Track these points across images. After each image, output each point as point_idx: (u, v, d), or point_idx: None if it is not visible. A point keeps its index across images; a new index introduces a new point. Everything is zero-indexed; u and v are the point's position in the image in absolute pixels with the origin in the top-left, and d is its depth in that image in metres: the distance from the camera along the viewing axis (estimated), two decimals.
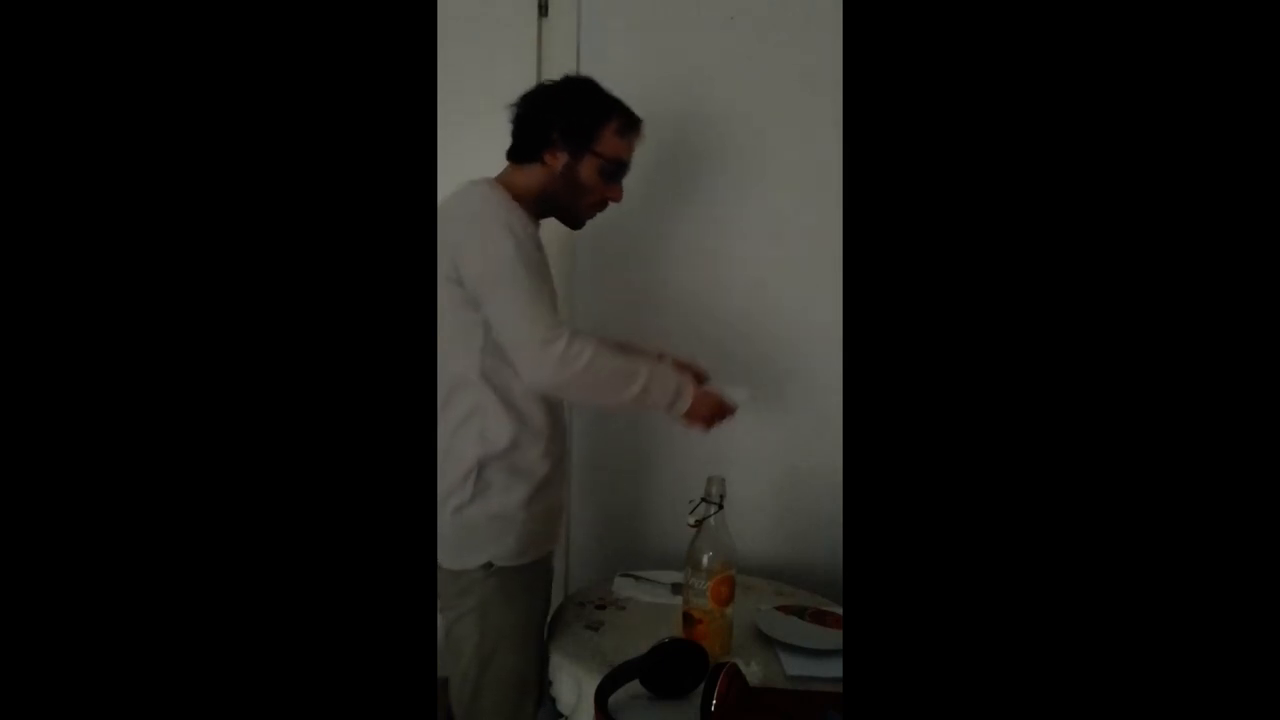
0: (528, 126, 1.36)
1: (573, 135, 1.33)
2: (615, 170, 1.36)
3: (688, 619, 1.31)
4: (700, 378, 1.50)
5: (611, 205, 1.41)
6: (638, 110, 1.74)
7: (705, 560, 1.29)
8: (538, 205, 1.36)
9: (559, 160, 1.34)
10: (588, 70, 1.77)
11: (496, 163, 1.83)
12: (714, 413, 1.37)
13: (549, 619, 1.48)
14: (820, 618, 1.44)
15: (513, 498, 1.30)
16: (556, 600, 1.63)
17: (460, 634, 1.31)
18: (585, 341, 1.23)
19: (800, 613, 1.46)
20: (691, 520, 1.32)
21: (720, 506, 1.30)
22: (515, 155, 1.38)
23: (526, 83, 1.78)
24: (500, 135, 1.82)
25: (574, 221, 1.42)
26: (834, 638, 1.35)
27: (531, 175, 1.35)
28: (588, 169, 1.34)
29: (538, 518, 1.32)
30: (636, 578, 1.59)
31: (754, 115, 1.76)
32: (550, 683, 1.35)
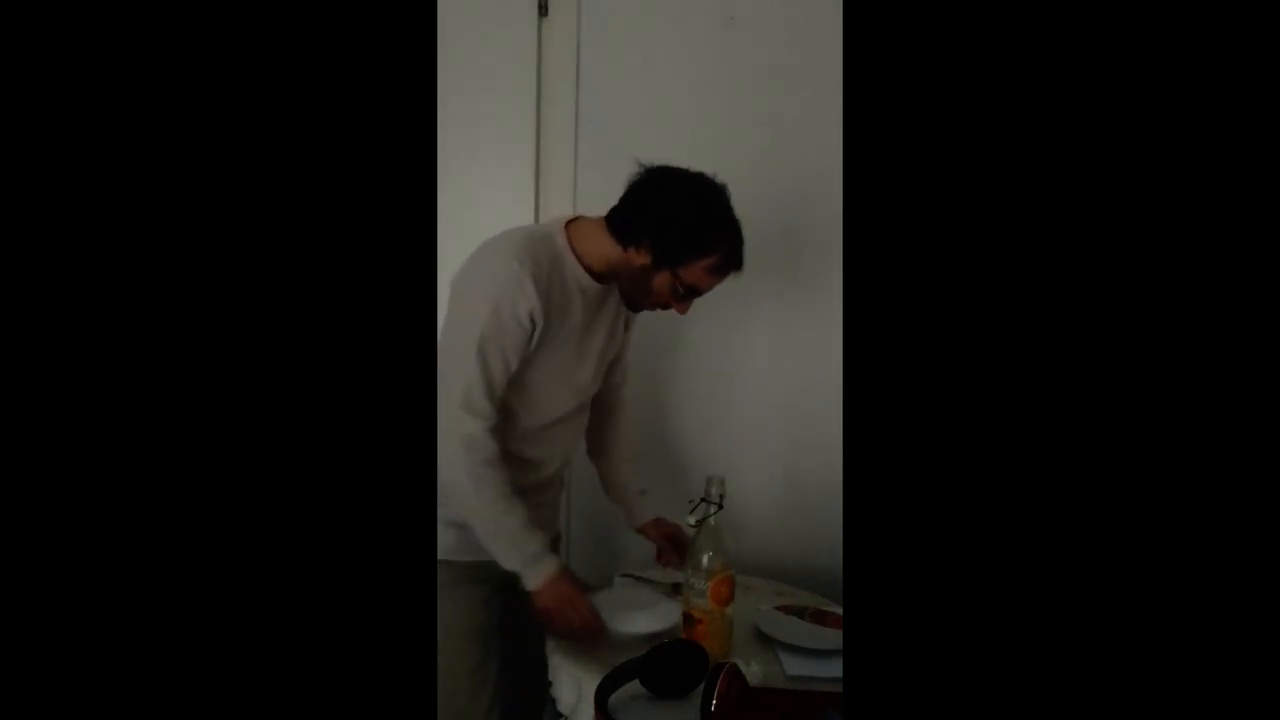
0: (630, 211, 1.29)
1: (662, 251, 1.27)
2: (689, 294, 1.31)
3: (688, 619, 1.31)
4: (678, 544, 1.50)
5: None
6: (638, 111, 1.76)
7: (705, 560, 1.29)
8: (604, 272, 1.33)
9: (638, 259, 1.28)
10: (587, 70, 1.77)
11: (495, 163, 1.85)
12: (562, 612, 1.29)
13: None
14: (820, 618, 1.44)
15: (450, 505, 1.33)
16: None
17: None
18: (491, 452, 1.25)
19: (800, 613, 1.46)
20: (691, 520, 1.32)
21: (720, 506, 1.30)
22: (609, 221, 1.31)
23: (527, 83, 1.80)
24: (498, 135, 1.83)
25: (631, 306, 1.39)
26: (834, 638, 1.35)
27: (610, 249, 1.30)
28: (662, 280, 1.29)
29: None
30: (637, 578, 1.59)
31: (754, 115, 1.76)
32: (550, 683, 1.35)
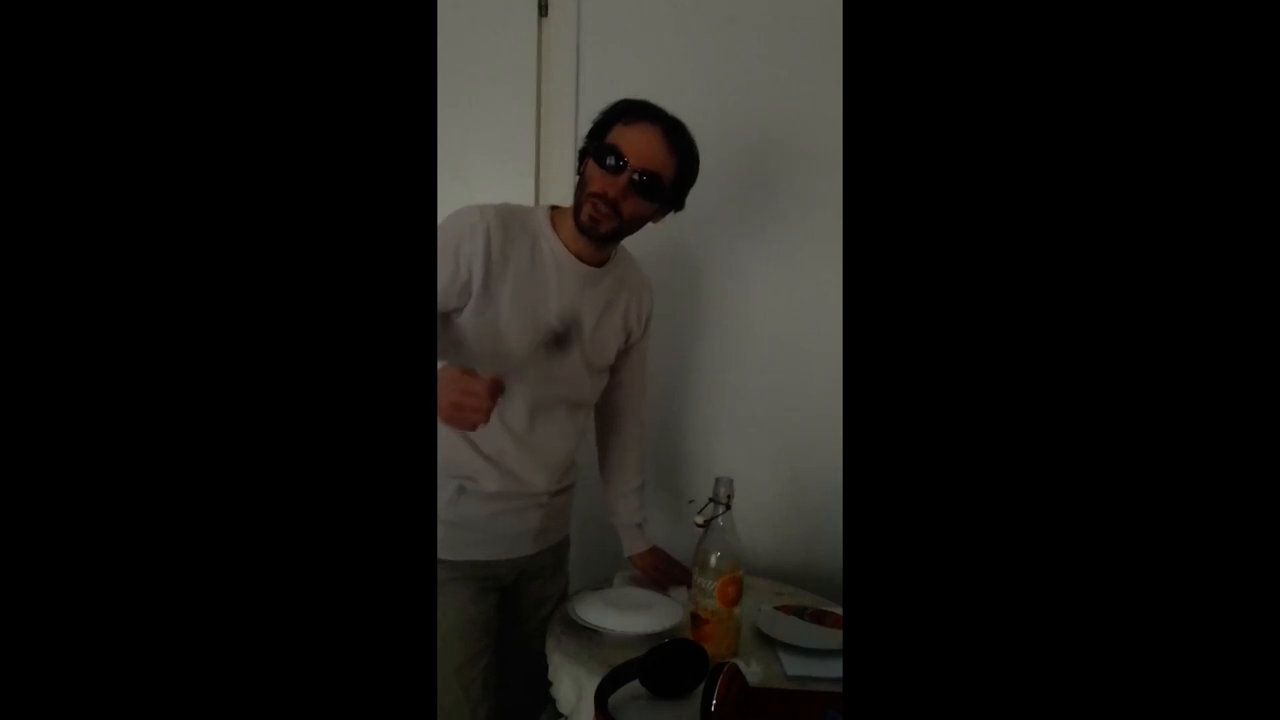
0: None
1: (590, 134, 1.32)
2: (615, 164, 1.26)
3: (695, 619, 1.31)
4: (667, 576, 1.53)
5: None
6: None
7: (713, 560, 1.29)
8: (577, 232, 1.32)
9: (584, 165, 1.32)
10: (587, 70, 1.77)
11: (495, 163, 1.85)
12: (460, 397, 1.09)
13: (552, 617, 1.48)
14: (820, 618, 1.44)
15: (439, 495, 1.33)
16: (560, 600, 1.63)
17: None
18: None
19: (800, 613, 1.46)
20: (699, 520, 1.32)
21: (728, 507, 1.30)
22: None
23: (527, 82, 1.80)
24: (498, 135, 1.83)
25: (590, 230, 1.30)
26: (834, 638, 1.35)
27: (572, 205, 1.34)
28: (593, 163, 1.29)
29: (465, 522, 1.33)
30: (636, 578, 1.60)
31: (755, 115, 1.76)
32: (550, 683, 1.35)
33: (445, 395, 1.09)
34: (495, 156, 1.83)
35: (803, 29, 1.71)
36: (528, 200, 1.82)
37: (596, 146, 1.29)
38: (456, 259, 1.26)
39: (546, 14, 1.77)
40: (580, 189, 1.31)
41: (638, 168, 1.26)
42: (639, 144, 1.27)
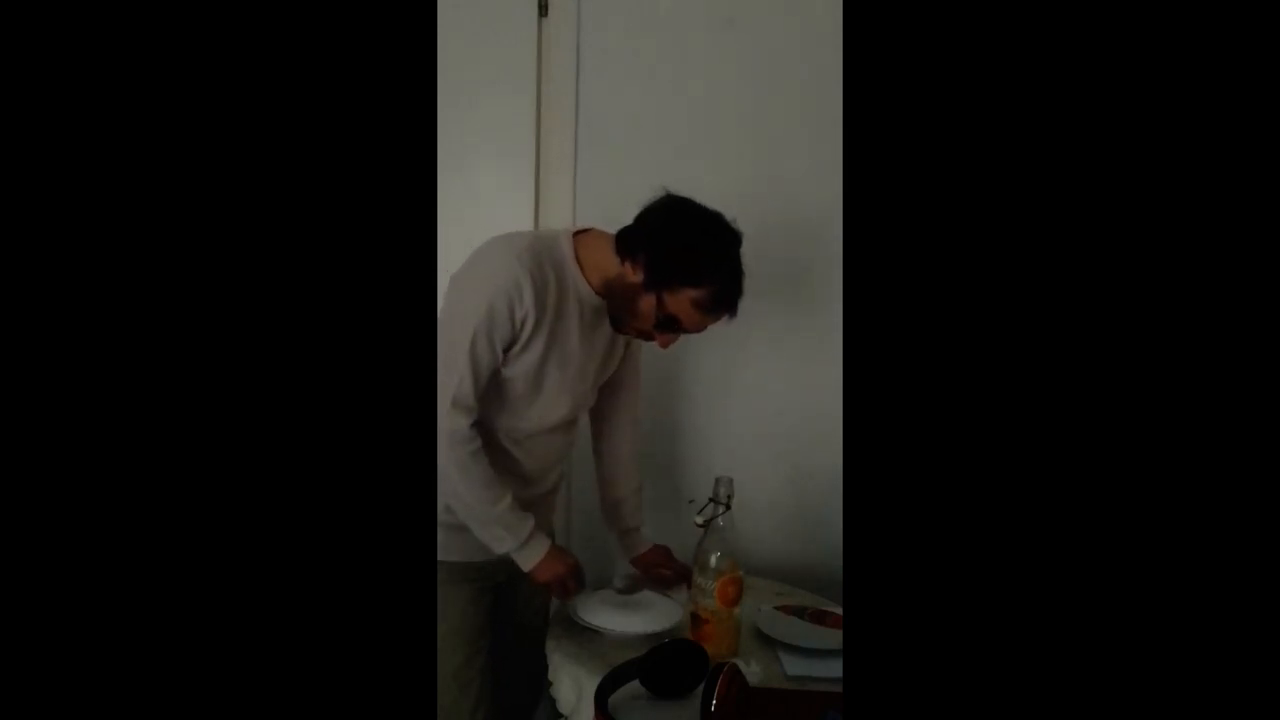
0: (636, 226, 1.30)
1: (654, 269, 1.26)
2: (669, 323, 1.29)
3: (695, 619, 1.31)
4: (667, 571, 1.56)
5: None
6: (638, 112, 1.76)
7: (713, 560, 1.29)
8: (602, 286, 1.33)
9: (632, 275, 1.27)
10: (587, 70, 1.77)
11: (495, 163, 1.85)
12: (560, 577, 1.38)
13: (551, 617, 1.48)
14: (820, 618, 1.44)
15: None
16: (556, 601, 1.63)
17: None
18: (476, 444, 1.28)
19: (800, 613, 1.46)
20: (699, 520, 1.32)
21: (728, 507, 1.30)
22: (617, 236, 1.32)
23: (527, 82, 1.80)
24: (498, 135, 1.83)
25: (616, 325, 1.36)
26: (834, 638, 1.35)
27: (610, 263, 1.30)
28: (648, 304, 1.27)
29: (462, 524, 1.34)
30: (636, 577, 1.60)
31: (753, 116, 1.76)
32: (550, 683, 1.36)
33: (554, 569, 1.37)
34: (495, 156, 1.83)
35: (803, 30, 1.71)
36: (527, 200, 1.82)
37: (665, 314, 1.27)
38: (512, 322, 1.25)
39: (546, 14, 1.77)
40: (627, 307, 1.30)
41: (689, 331, 1.31)
42: (703, 324, 1.29)
